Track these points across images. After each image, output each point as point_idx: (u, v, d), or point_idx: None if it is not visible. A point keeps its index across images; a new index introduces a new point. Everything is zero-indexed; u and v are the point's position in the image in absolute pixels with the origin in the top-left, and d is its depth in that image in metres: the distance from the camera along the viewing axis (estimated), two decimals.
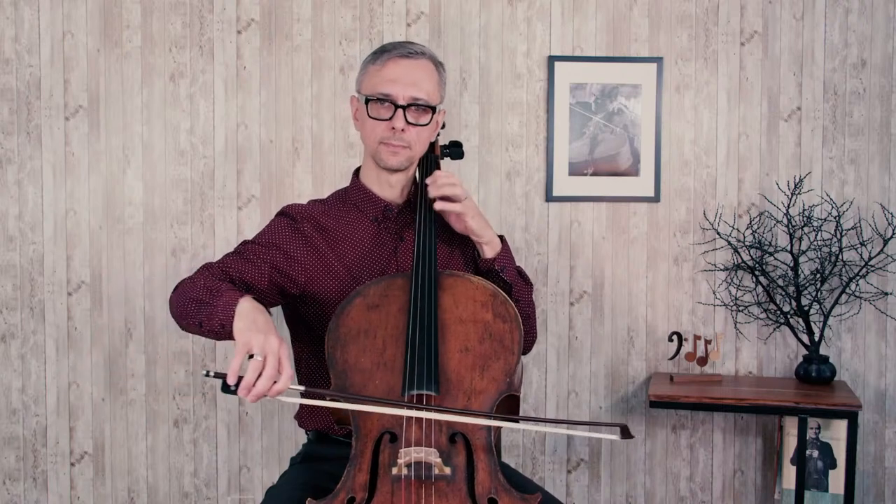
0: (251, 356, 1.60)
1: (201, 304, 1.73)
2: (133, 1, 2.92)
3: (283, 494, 1.88)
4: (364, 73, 1.96)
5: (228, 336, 1.69)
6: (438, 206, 1.93)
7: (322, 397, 1.72)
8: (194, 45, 2.94)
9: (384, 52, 1.93)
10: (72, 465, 3.00)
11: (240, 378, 1.59)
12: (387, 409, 1.70)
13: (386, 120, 1.90)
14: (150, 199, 2.96)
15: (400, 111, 1.89)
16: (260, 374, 1.59)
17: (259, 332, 1.62)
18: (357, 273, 1.95)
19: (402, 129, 1.90)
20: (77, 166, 2.94)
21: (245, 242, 1.95)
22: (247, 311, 1.67)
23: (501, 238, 2.02)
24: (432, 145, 2.08)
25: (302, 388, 1.68)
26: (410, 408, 1.71)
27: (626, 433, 1.69)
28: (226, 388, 1.60)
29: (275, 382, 1.60)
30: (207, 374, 1.61)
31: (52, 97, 2.92)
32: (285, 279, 1.91)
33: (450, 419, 1.71)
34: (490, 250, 1.98)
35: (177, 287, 1.84)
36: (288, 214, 1.98)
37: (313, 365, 2.00)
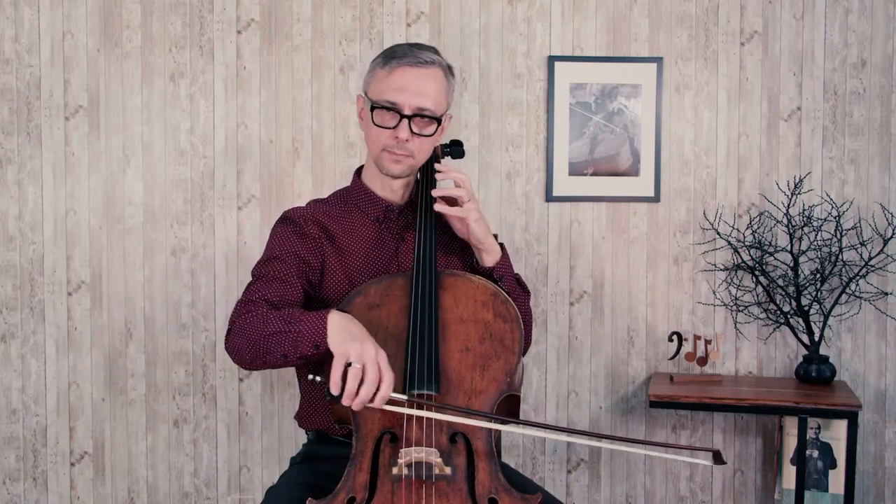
0: (349, 364, 1.62)
1: (281, 336, 1.70)
2: (133, 1, 2.92)
3: (283, 494, 1.88)
4: (372, 75, 1.91)
5: (322, 356, 1.69)
6: (437, 207, 1.92)
7: (421, 407, 1.70)
8: (194, 45, 2.94)
9: (394, 58, 1.87)
10: (72, 465, 3.00)
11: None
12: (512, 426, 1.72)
13: (390, 128, 1.87)
14: (150, 199, 2.96)
15: (405, 121, 1.86)
16: (362, 382, 1.61)
17: (355, 341, 1.64)
18: (358, 273, 1.94)
19: (406, 140, 1.87)
20: (77, 166, 2.94)
21: (261, 265, 1.91)
22: (339, 324, 1.67)
23: (501, 246, 2.00)
24: None
25: (405, 397, 1.67)
26: (505, 423, 1.73)
27: (718, 458, 1.63)
28: (330, 395, 1.62)
29: (377, 389, 1.62)
30: (314, 380, 1.64)
31: (52, 97, 2.92)
32: (308, 285, 1.91)
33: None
34: (490, 259, 1.96)
35: (231, 334, 1.79)
36: (290, 220, 1.95)
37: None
